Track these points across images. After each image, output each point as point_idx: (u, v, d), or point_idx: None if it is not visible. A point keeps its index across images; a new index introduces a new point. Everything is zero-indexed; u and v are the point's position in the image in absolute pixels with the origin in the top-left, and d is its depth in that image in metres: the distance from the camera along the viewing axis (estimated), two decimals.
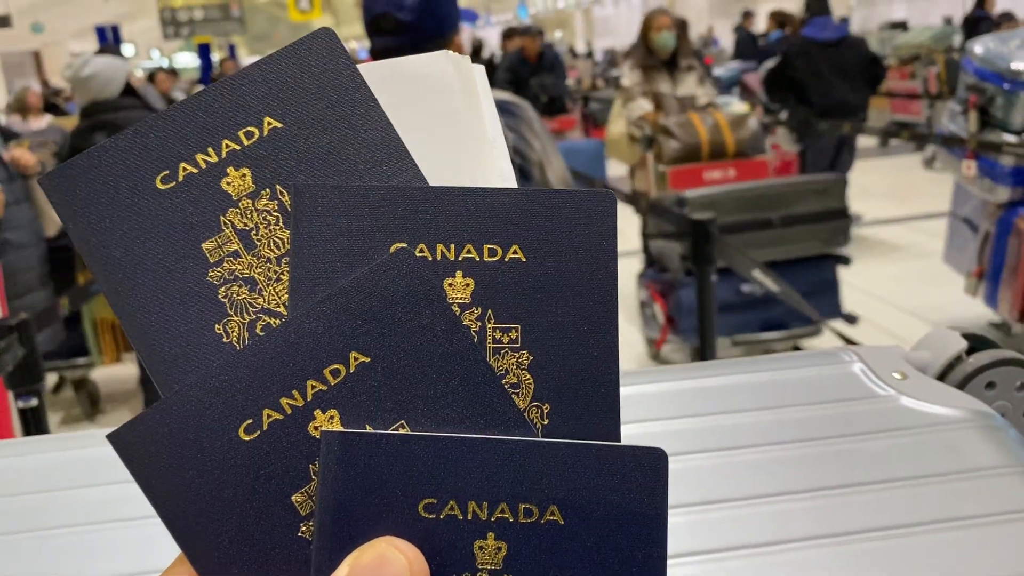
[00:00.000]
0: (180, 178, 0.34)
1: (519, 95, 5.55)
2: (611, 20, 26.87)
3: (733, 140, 3.86)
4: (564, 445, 0.30)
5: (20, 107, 7.18)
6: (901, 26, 12.60)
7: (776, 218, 3.39)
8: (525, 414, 0.32)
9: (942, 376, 0.61)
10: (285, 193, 0.34)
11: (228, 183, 0.34)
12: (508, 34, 8.05)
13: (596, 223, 0.33)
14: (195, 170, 0.34)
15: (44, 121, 6.55)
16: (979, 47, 3.80)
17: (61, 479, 0.55)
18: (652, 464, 0.30)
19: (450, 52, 0.36)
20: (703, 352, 2.65)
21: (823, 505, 0.49)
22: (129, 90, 3.46)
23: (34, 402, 2.04)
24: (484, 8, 33.32)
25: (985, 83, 3.62)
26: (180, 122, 0.34)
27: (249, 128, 0.34)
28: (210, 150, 0.34)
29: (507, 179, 0.36)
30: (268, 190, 0.34)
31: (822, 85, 4.96)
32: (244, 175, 0.34)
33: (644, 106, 4.08)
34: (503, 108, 1.61)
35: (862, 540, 0.47)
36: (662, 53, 4.16)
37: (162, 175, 0.34)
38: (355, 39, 52.57)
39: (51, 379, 4.19)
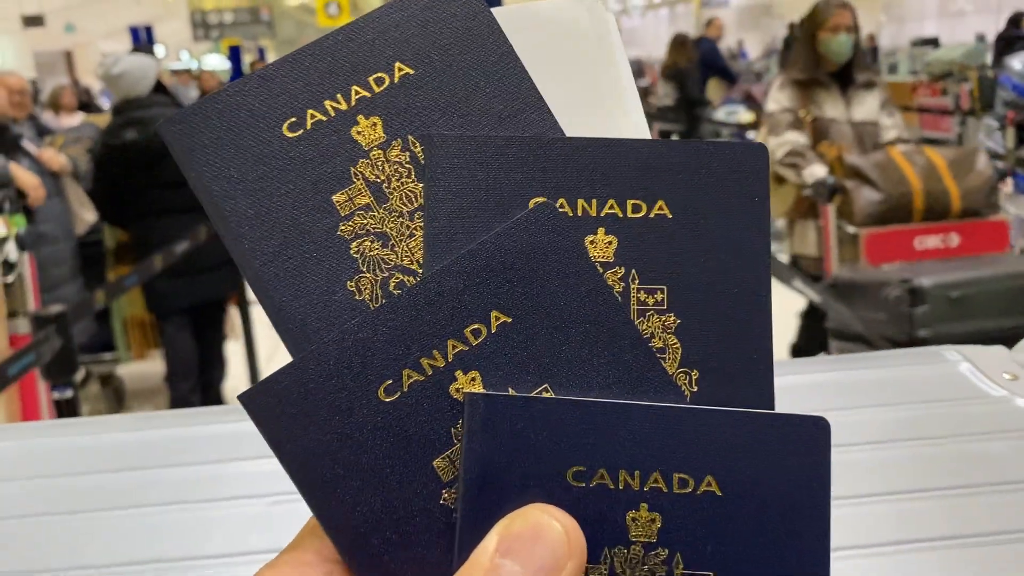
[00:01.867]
0: (308, 126, 0.32)
1: None
2: (637, 31, 26.90)
3: (959, 192, 2.71)
4: (720, 412, 0.29)
5: (54, 104, 7.26)
6: (932, 42, 12.49)
7: None
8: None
9: None
10: (417, 144, 0.32)
11: (359, 132, 0.32)
12: None
13: (748, 179, 0.31)
14: (324, 118, 0.32)
15: (77, 118, 6.62)
16: (1018, 63, 3.86)
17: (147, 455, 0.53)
18: (814, 434, 0.28)
19: None
20: None
21: (943, 506, 0.46)
22: (160, 88, 3.48)
23: (69, 393, 2.05)
24: None
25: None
26: (307, 66, 0.32)
27: (379, 74, 0.32)
28: (339, 96, 0.33)
29: (641, 131, 0.34)
30: (400, 140, 0.32)
31: None
32: (375, 124, 0.32)
33: (795, 140, 2.96)
34: None
35: (985, 544, 0.44)
36: (833, 63, 3.01)
37: (289, 122, 0.32)
38: None
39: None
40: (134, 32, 14.71)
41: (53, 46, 22.48)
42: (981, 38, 11.77)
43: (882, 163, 2.76)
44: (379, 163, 0.32)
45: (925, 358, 0.58)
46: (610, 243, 0.31)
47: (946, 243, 2.70)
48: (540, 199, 0.31)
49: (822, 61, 2.99)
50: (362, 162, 0.32)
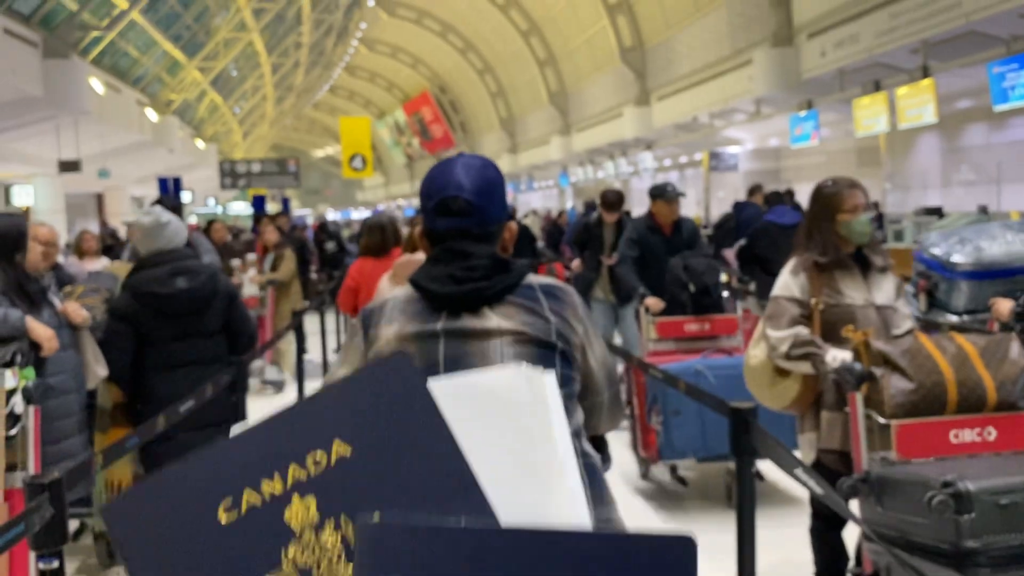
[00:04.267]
0: (243, 510, 0.34)
1: (649, 278, 5.11)
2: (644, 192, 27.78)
3: (994, 384, 2.51)
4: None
5: (78, 249, 7.49)
6: (936, 212, 12.82)
7: None
8: None
9: None
10: (349, 523, 0.34)
11: (292, 515, 0.34)
12: (608, 202, 6.11)
13: (675, 573, 0.32)
14: (259, 502, 0.34)
15: (100, 263, 6.79)
16: (927, 240, 4.44)
17: None
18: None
19: (523, 367, 0.37)
20: None
21: None
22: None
23: (55, 564, 1.99)
24: (527, 174, 34.76)
25: (931, 271, 4.18)
26: (251, 445, 0.34)
27: (319, 452, 0.36)
28: (277, 475, 0.35)
29: (576, 498, 0.35)
30: (332, 519, 0.34)
31: (782, 260, 5.48)
32: (308, 505, 0.34)
33: (800, 331, 2.78)
34: (548, 292, 1.62)
35: None
36: (853, 245, 2.86)
37: (225, 503, 0.34)
38: (403, 198, 54.45)
39: (71, 524, 4.13)
40: (162, 181, 15.33)
41: (86, 189, 23.40)
42: (983, 209, 12.09)
43: (912, 350, 2.54)
44: (310, 547, 0.33)
45: None
46: None
47: (983, 437, 2.45)
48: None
49: (842, 243, 2.84)
50: (293, 546, 0.33)
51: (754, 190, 8.94)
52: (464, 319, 1.55)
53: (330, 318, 8.26)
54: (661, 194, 5.39)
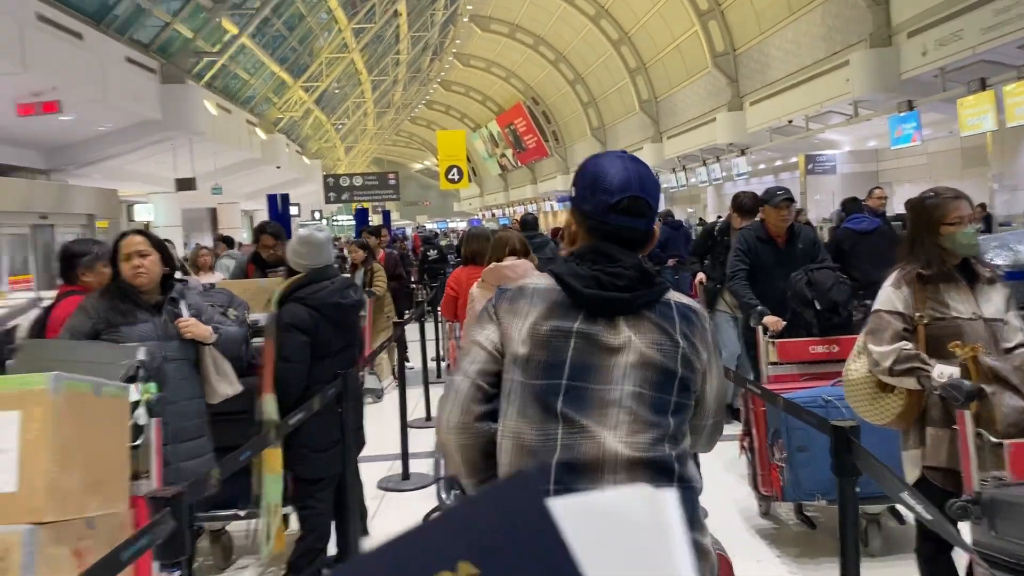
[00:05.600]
0: None
1: (757, 293, 4.73)
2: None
3: None
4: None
5: (194, 263, 7.95)
6: None
7: None
8: None
9: None
10: None
11: None
12: (742, 207, 5.65)
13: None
14: None
15: (214, 278, 7.07)
16: None
17: None
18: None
19: (644, 488, 0.41)
20: None
21: None
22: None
23: (177, 574, 2.05)
24: None
25: None
26: (377, 568, 0.35)
27: (444, 574, 0.35)
28: None
29: None
30: None
31: (861, 266, 5.54)
32: None
33: (903, 346, 2.67)
34: (683, 313, 1.64)
35: None
36: (958, 257, 2.75)
37: None
38: (497, 207, 54.67)
39: None
40: (271, 197, 16.07)
41: (201, 204, 24.67)
42: None
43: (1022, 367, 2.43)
44: None
45: None
46: None
47: None
48: None
49: (947, 255, 2.73)
50: None
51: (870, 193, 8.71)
52: (599, 325, 1.57)
53: (429, 327, 8.50)
54: (768, 200, 4.98)
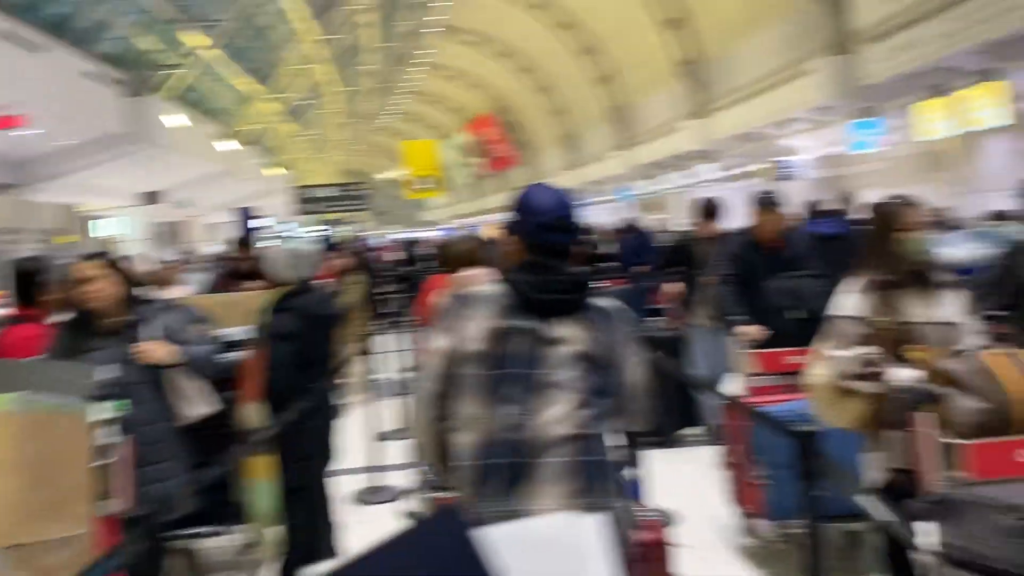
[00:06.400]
0: None
1: (749, 301, 4.40)
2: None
3: None
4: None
5: (158, 279, 7.82)
6: (1002, 217, 12.51)
7: None
8: None
9: None
10: None
11: None
12: (704, 211, 5.57)
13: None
14: None
15: (177, 292, 6.93)
16: None
17: None
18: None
19: (569, 514, 0.46)
20: None
21: None
22: None
23: None
24: (588, 189, 34.85)
25: None
26: None
27: None
28: None
29: None
30: None
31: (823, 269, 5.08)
32: None
33: (866, 351, 2.74)
34: (610, 313, 1.98)
35: None
36: (912, 263, 2.82)
37: None
38: (468, 216, 54.91)
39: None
40: (239, 210, 15.96)
41: (166, 219, 24.42)
42: (1000, 215, 11.74)
43: (977, 368, 2.49)
44: None
45: None
46: None
47: None
48: None
49: (903, 261, 2.81)
50: None
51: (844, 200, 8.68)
52: (542, 323, 1.90)
53: (401, 338, 8.45)
54: (760, 204, 4.71)
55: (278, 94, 27.23)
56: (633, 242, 10.83)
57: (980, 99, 12.59)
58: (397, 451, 5.89)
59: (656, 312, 9.32)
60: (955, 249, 4.06)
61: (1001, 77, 12.22)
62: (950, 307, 2.81)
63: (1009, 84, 12.13)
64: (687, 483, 4.90)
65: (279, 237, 4.18)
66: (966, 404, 2.43)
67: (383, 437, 6.01)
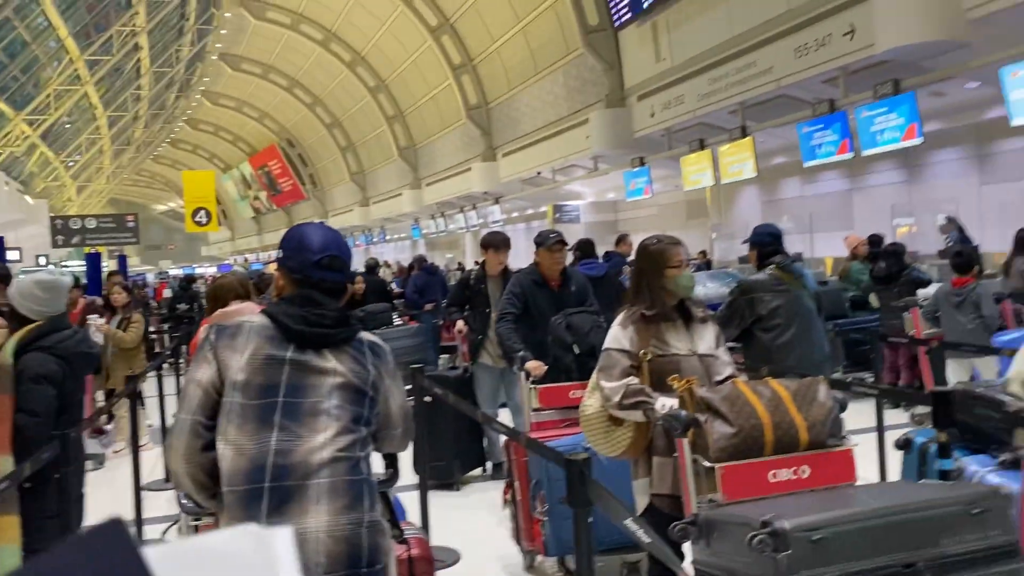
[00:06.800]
0: None
1: (536, 338, 4.58)
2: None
3: (805, 425, 2.66)
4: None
5: None
6: None
7: (923, 564, 2.21)
8: None
9: None
10: None
11: None
12: (488, 244, 5.67)
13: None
14: None
15: None
16: None
17: None
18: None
19: (251, 527, 0.43)
20: None
21: None
22: None
23: None
24: (379, 227, 34.73)
25: None
26: None
27: None
28: None
29: None
30: None
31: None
32: None
33: (631, 381, 2.90)
34: (372, 349, 2.08)
35: None
36: (677, 298, 3.05)
37: None
38: (250, 252, 52.83)
39: None
40: None
41: None
42: (798, 256, 13.20)
43: (731, 396, 2.66)
44: None
45: None
46: None
47: (798, 475, 2.61)
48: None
49: (668, 296, 3.02)
50: None
51: (620, 239, 8.72)
52: (308, 354, 1.97)
53: (171, 382, 7.93)
54: (541, 242, 4.97)
55: (38, 116, 24.98)
56: (421, 279, 10.89)
57: (734, 154, 13.92)
58: (165, 503, 5.48)
59: (448, 350, 9.49)
60: (702, 287, 4.46)
61: (750, 134, 13.58)
62: (708, 340, 3.04)
63: (752, 140, 13.50)
64: (473, 522, 4.92)
65: (29, 271, 3.80)
66: (721, 429, 2.58)
67: (150, 488, 5.58)
